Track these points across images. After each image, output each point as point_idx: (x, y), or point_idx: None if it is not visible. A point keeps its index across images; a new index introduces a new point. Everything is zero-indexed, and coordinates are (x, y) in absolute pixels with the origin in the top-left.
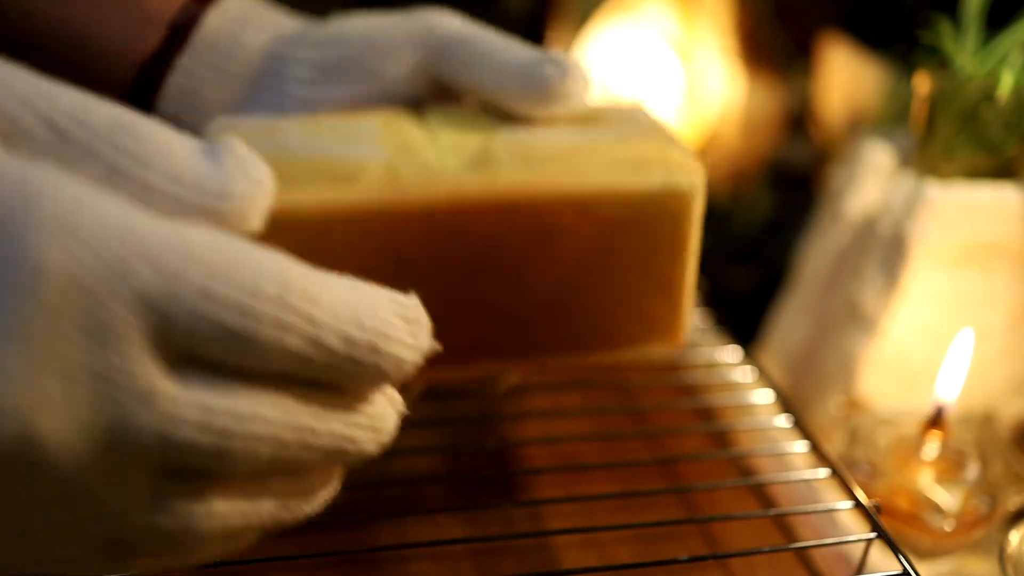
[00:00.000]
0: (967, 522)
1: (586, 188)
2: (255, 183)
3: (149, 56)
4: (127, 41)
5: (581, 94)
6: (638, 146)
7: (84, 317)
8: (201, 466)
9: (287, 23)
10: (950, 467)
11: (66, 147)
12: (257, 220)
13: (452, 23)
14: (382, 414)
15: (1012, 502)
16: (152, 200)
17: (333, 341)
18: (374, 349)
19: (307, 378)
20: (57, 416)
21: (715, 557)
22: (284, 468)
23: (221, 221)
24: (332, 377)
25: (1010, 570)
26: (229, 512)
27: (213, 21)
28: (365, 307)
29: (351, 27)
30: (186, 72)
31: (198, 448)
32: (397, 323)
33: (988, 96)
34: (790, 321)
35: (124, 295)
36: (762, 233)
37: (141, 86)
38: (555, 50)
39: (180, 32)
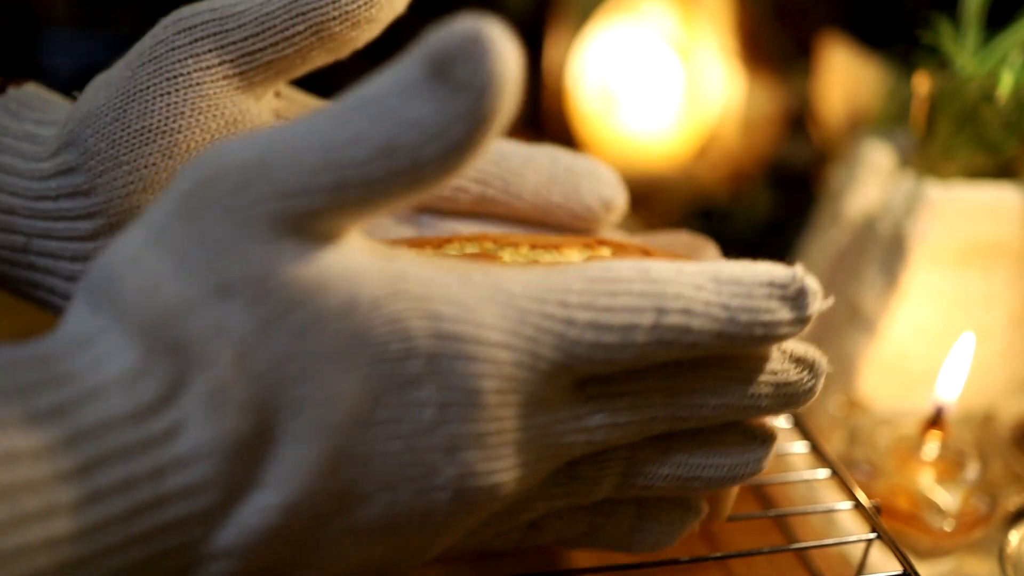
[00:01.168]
0: (967, 522)
1: None
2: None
3: None
4: None
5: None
6: None
7: (514, 403)
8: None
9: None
10: (950, 467)
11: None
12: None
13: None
14: (777, 368)
15: (1012, 502)
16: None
17: (706, 340)
18: (754, 337)
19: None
20: (516, 474)
21: (715, 558)
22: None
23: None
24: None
25: (1010, 570)
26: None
27: None
28: (740, 302)
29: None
30: None
31: (605, 441)
32: (772, 306)
33: (988, 96)
34: None
35: (541, 368)
36: (762, 233)
37: None
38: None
39: None
